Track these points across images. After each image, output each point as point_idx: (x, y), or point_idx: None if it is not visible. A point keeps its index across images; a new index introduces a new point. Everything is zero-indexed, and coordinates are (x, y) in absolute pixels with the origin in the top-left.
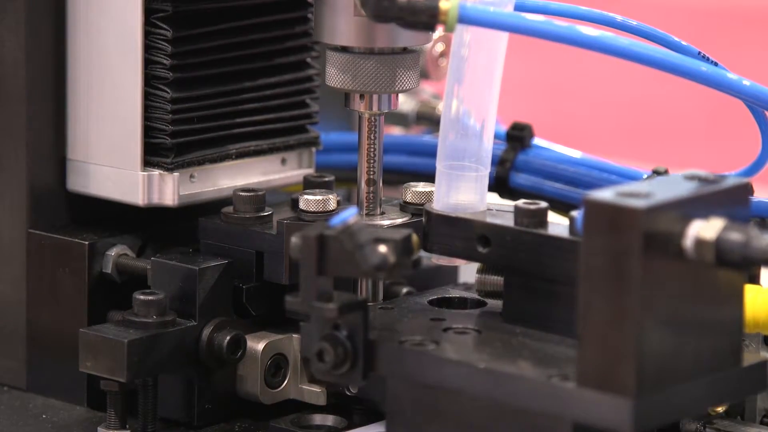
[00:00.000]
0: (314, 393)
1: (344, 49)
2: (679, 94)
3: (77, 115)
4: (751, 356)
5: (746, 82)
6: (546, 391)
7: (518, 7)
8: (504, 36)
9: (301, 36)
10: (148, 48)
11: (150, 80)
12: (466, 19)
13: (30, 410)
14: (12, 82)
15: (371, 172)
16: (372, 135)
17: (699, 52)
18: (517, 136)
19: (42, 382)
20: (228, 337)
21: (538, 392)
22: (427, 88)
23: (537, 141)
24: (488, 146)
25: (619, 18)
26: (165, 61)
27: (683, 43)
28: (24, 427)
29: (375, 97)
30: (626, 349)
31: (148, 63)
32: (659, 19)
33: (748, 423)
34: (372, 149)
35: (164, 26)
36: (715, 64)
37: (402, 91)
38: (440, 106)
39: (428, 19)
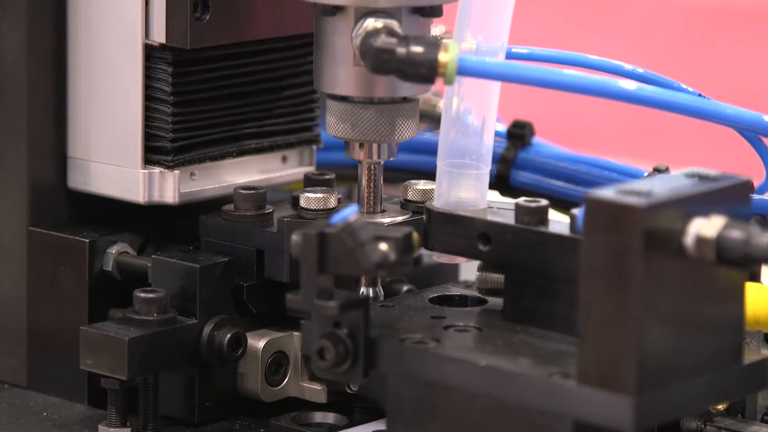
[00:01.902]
0: (315, 391)
1: (344, 99)
2: None
3: (78, 112)
4: (752, 354)
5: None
6: (547, 388)
7: (508, 55)
8: (505, 35)
9: (306, 66)
10: (149, 77)
11: (150, 98)
12: (465, 71)
13: (31, 408)
14: (13, 80)
15: (371, 209)
16: (372, 183)
17: (699, 95)
18: (518, 134)
19: (43, 379)
20: (228, 335)
21: (539, 390)
22: None
23: (538, 139)
24: (489, 144)
25: (614, 62)
26: (166, 88)
27: (684, 86)
28: (25, 425)
29: (374, 145)
30: (627, 347)
31: (148, 86)
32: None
33: (748, 421)
34: (372, 196)
35: (164, 65)
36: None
37: (401, 140)
38: (441, 104)
39: (427, 72)
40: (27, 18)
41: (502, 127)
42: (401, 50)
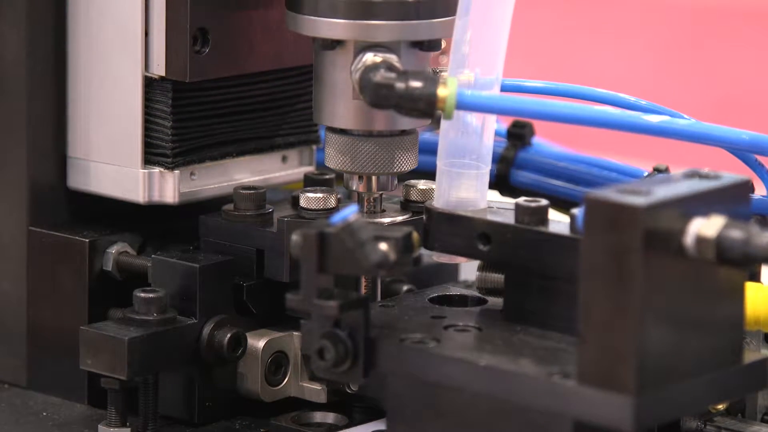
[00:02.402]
0: (315, 391)
1: (343, 132)
2: (680, 91)
3: (78, 112)
4: (752, 354)
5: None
6: (547, 388)
7: (504, 88)
8: (504, 34)
9: (306, 95)
10: (148, 98)
11: (149, 111)
12: (464, 105)
13: (30, 408)
14: (12, 80)
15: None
16: (371, 215)
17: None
18: (518, 134)
19: (42, 379)
20: (228, 335)
21: (539, 390)
22: None
23: (537, 139)
24: (489, 144)
25: (607, 92)
26: (166, 109)
27: (683, 115)
28: (24, 425)
29: (374, 178)
30: (627, 347)
31: (147, 105)
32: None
33: (748, 421)
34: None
35: (164, 95)
36: None
37: (400, 173)
38: None
39: (426, 107)
40: (27, 17)
41: (502, 127)
42: (400, 85)
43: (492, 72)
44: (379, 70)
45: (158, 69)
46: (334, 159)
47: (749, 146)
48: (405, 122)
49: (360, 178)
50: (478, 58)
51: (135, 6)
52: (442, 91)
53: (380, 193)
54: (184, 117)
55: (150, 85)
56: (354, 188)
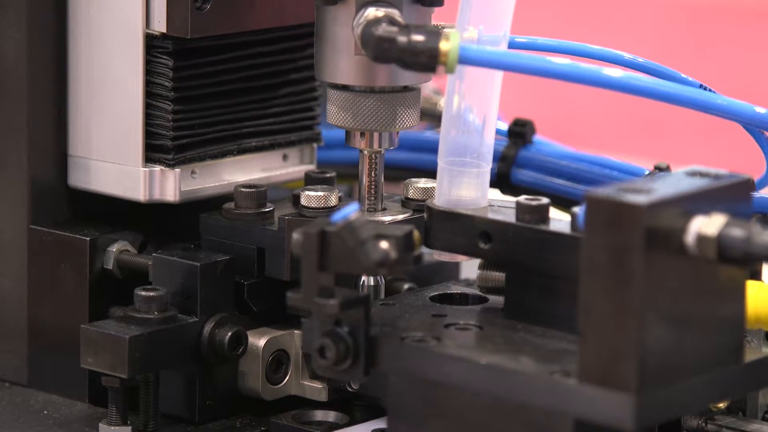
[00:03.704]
0: (316, 389)
1: (345, 88)
2: None
3: (78, 111)
4: (753, 352)
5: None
6: (547, 387)
7: (511, 45)
8: (506, 32)
9: (305, 69)
10: (149, 71)
11: (151, 95)
12: (467, 59)
13: (31, 406)
14: (13, 79)
15: (371, 207)
16: (373, 172)
17: (700, 85)
18: (519, 132)
19: (43, 378)
20: (229, 333)
21: (540, 388)
22: (429, 84)
23: (538, 137)
24: (490, 142)
25: (615, 52)
26: (166, 84)
27: (687, 77)
28: (25, 423)
29: (375, 134)
30: (628, 345)
31: (149, 82)
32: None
33: (749, 419)
34: (372, 186)
35: (165, 57)
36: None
37: (402, 129)
38: (442, 102)
39: (428, 61)
40: (27, 16)
41: (503, 125)
42: (402, 39)
43: (498, 29)
44: (381, 24)
45: (159, 26)
46: (335, 116)
47: (698, 106)
48: (407, 78)
49: (362, 135)
50: (483, 14)
51: (136, 4)
52: (444, 45)
53: (382, 150)
54: (185, 94)
55: (151, 50)
56: (356, 145)
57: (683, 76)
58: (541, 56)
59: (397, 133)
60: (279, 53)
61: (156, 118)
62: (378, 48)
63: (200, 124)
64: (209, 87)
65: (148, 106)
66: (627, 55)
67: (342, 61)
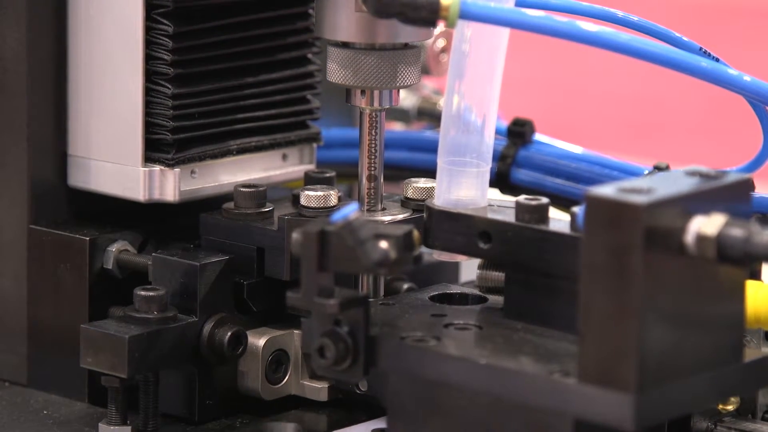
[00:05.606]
0: (315, 389)
1: (345, 45)
2: (680, 89)
3: (78, 110)
4: (752, 352)
5: (747, 78)
6: (547, 387)
7: (518, 3)
8: (505, 31)
9: (302, 32)
10: (149, 44)
11: (151, 76)
12: (468, 14)
13: (31, 406)
14: (13, 78)
15: (372, 168)
16: (373, 131)
17: (700, 48)
18: (518, 132)
19: (43, 377)
20: (229, 333)
21: (540, 388)
22: (429, 84)
23: (538, 137)
24: (489, 142)
25: (620, 14)
26: (166, 57)
27: (684, 38)
28: (25, 423)
29: (376, 92)
30: (627, 345)
31: (148, 59)
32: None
33: (758, 421)
34: (373, 145)
35: (165, 21)
36: (717, 60)
37: (403, 87)
38: (441, 102)
39: (429, 15)
40: (27, 15)
41: (503, 125)
42: None
43: None
44: None
45: None
46: (336, 73)
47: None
48: (407, 35)
49: (362, 93)
50: None
51: (136, 2)
52: (445, 0)
53: (383, 108)
54: (184, 70)
55: (149, 21)
56: (356, 104)
57: (689, 41)
58: (542, 14)
59: (398, 91)
60: (277, 20)
61: (156, 105)
62: (379, 3)
63: (199, 113)
64: (207, 63)
65: (148, 92)
66: (633, 17)
67: (342, 18)
